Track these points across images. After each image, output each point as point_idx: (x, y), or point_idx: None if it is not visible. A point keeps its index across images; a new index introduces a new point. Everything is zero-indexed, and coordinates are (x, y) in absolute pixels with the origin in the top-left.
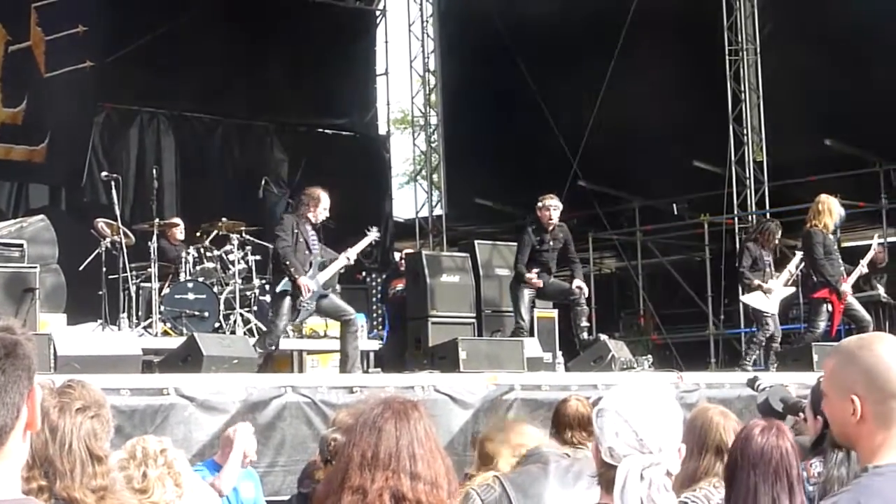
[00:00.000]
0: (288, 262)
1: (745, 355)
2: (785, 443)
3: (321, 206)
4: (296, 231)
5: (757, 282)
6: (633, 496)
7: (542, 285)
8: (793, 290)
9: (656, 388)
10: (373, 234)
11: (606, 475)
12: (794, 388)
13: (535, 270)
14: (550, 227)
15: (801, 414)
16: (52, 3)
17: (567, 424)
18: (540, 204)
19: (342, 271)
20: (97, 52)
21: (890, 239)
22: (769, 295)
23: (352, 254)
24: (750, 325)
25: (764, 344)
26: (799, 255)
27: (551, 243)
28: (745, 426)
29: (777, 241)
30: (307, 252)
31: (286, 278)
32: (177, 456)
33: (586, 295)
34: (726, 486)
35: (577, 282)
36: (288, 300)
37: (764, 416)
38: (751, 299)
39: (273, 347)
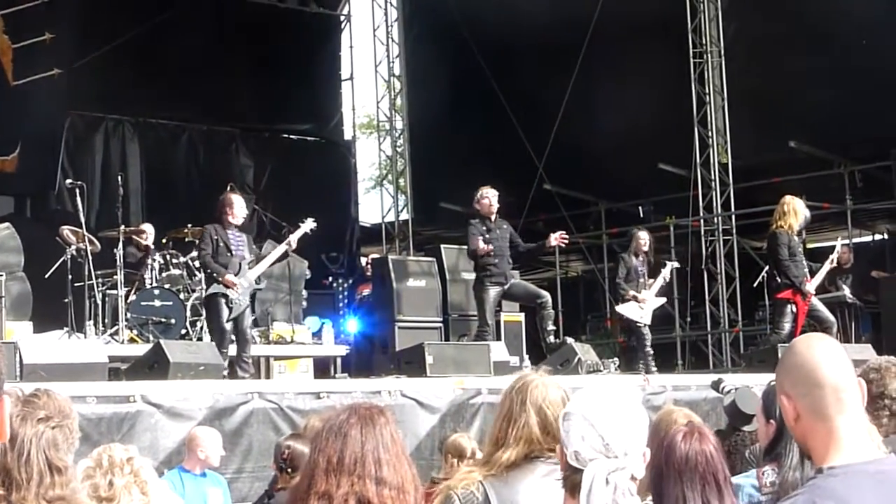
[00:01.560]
0: (210, 269)
1: (641, 366)
2: (708, 446)
3: (234, 208)
4: (215, 237)
5: (632, 292)
6: (599, 501)
7: (492, 250)
8: (664, 300)
9: (622, 391)
10: (308, 224)
11: (572, 479)
12: (759, 390)
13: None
14: (493, 217)
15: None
16: (20, 11)
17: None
18: (478, 195)
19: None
20: (64, 60)
21: (855, 240)
22: (642, 305)
23: (293, 240)
24: (716, 326)
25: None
26: (670, 265)
27: (498, 232)
28: (665, 434)
29: (646, 249)
30: (229, 254)
31: (214, 283)
32: (143, 464)
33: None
34: (654, 498)
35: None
36: (220, 301)
37: (731, 418)
38: (625, 310)
39: (226, 350)
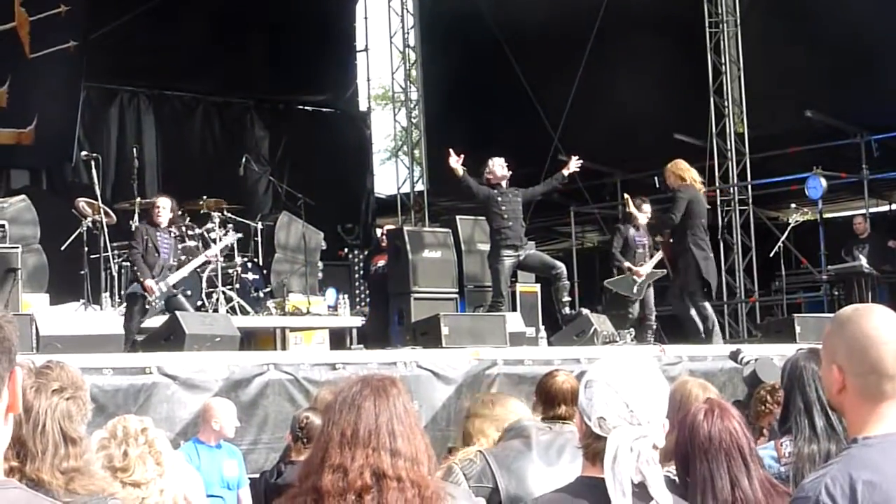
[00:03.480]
0: (136, 268)
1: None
2: (731, 422)
3: (160, 210)
4: (145, 237)
5: (627, 264)
6: (623, 468)
7: (460, 171)
8: (663, 271)
9: (643, 360)
10: (231, 236)
11: (594, 447)
12: (777, 361)
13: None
14: (503, 184)
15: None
16: None
17: (557, 398)
18: (486, 168)
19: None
20: (79, 33)
21: (871, 210)
22: (635, 278)
23: (210, 253)
24: (732, 297)
25: (638, 324)
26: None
27: (510, 195)
28: (687, 412)
29: (640, 220)
30: (156, 255)
31: (135, 282)
32: (158, 435)
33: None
34: (680, 477)
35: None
36: (138, 301)
37: (751, 388)
38: (613, 283)
39: (128, 346)
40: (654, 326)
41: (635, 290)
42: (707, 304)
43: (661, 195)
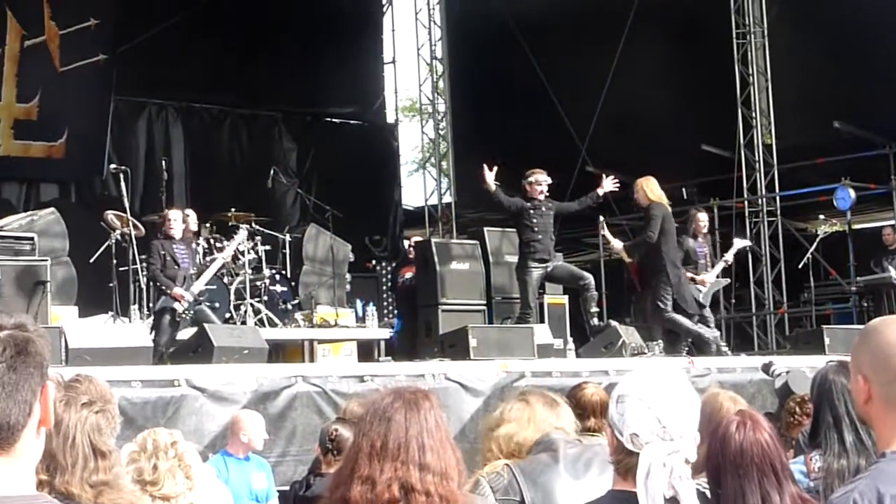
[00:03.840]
0: (158, 282)
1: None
2: (763, 435)
3: (171, 222)
4: (161, 252)
5: (689, 274)
6: (656, 484)
7: (493, 186)
8: (726, 281)
9: (673, 373)
10: (242, 233)
11: (626, 462)
12: (809, 372)
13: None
14: (541, 197)
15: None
16: None
17: (587, 411)
18: (532, 179)
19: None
20: (108, 46)
21: None
22: (700, 287)
23: (226, 254)
24: (761, 308)
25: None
26: (737, 243)
27: (543, 209)
28: (718, 423)
29: (705, 230)
30: (176, 267)
31: (162, 297)
32: (187, 448)
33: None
34: (712, 490)
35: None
36: (167, 316)
37: (782, 400)
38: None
39: (156, 358)
40: (712, 325)
41: (701, 298)
42: (681, 317)
43: (687, 206)
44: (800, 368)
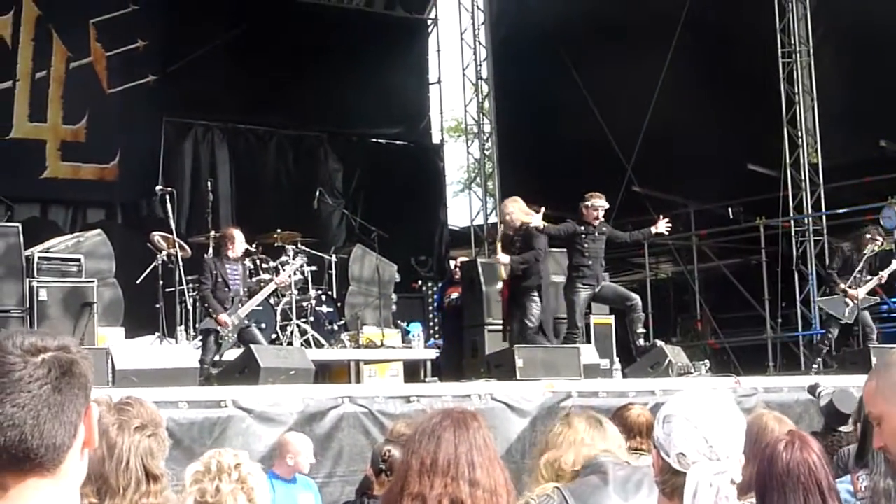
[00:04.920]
0: (207, 304)
1: (814, 362)
2: (811, 455)
3: (235, 242)
4: (214, 272)
5: (842, 286)
6: None
7: (541, 225)
8: (876, 299)
9: (720, 394)
10: (298, 261)
11: (672, 482)
12: (856, 392)
13: (586, 264)
14: (596, 223)
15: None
16: (110, 19)
17: (633, 431)
18: (589, 203)
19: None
20: (156, 67)
21: None
22: (848, 301)
23: (279, 280)
24: (808, 327)
25: (825, 350)
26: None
27: (597, 234)
28: (768, 443)
29: (872, 245)
30: (226, 290)
31: (208, 318)
32: (252, 470)
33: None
34: None
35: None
36: (211, 337)
37: (828, 418)
38: (826, 303)
39: (203, 378)
40: (874, 338)
41: (846, 313)
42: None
43: (734, 226)
44: (847, 388)
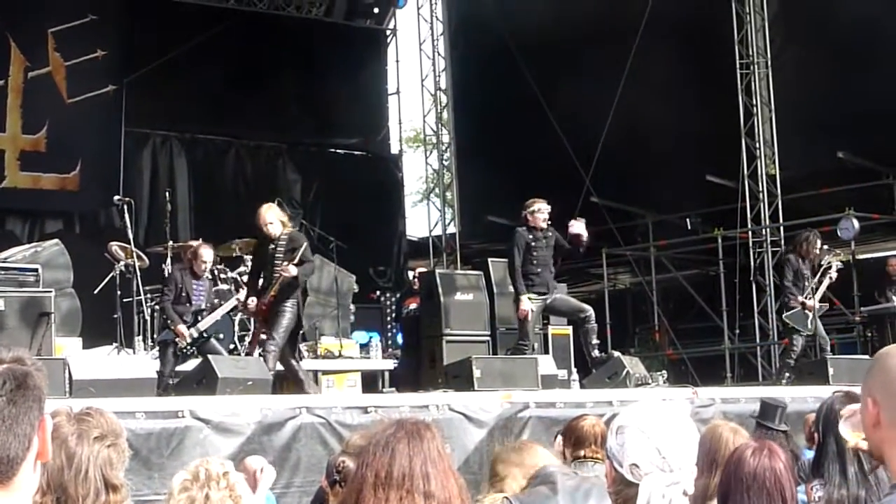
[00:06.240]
0: (166, 315)
1: (779, 374)
2: (777, 463)
3: (199, 259)
4: (180, 286)
5: (800, 298)
6: None
7: (528, 314)
8: (826, 306)
9: (674, 405)
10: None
11: (625, 493)
12: (811, 402)
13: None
14: (543, 228)
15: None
16: (69, 28)
17: (587, 440)
18: (531, 207)
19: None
20: (115, 77)
21: None
22: (808, 312)
23: (241, 296)
24: (765, 338)
25: (792, 364)
26: (834, 264)
27: (544, 241)
28: (736, 448)
29: (817, 252)
30: (188, 304)
31: (166, 329)
32: (238, 479)
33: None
34: None
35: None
36: (169, 349)
37: (758, 425)
38: (792, 318)
39: (161, 389)
40: (828, 349)
41: (809, 325)
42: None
43: (692, 236)
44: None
